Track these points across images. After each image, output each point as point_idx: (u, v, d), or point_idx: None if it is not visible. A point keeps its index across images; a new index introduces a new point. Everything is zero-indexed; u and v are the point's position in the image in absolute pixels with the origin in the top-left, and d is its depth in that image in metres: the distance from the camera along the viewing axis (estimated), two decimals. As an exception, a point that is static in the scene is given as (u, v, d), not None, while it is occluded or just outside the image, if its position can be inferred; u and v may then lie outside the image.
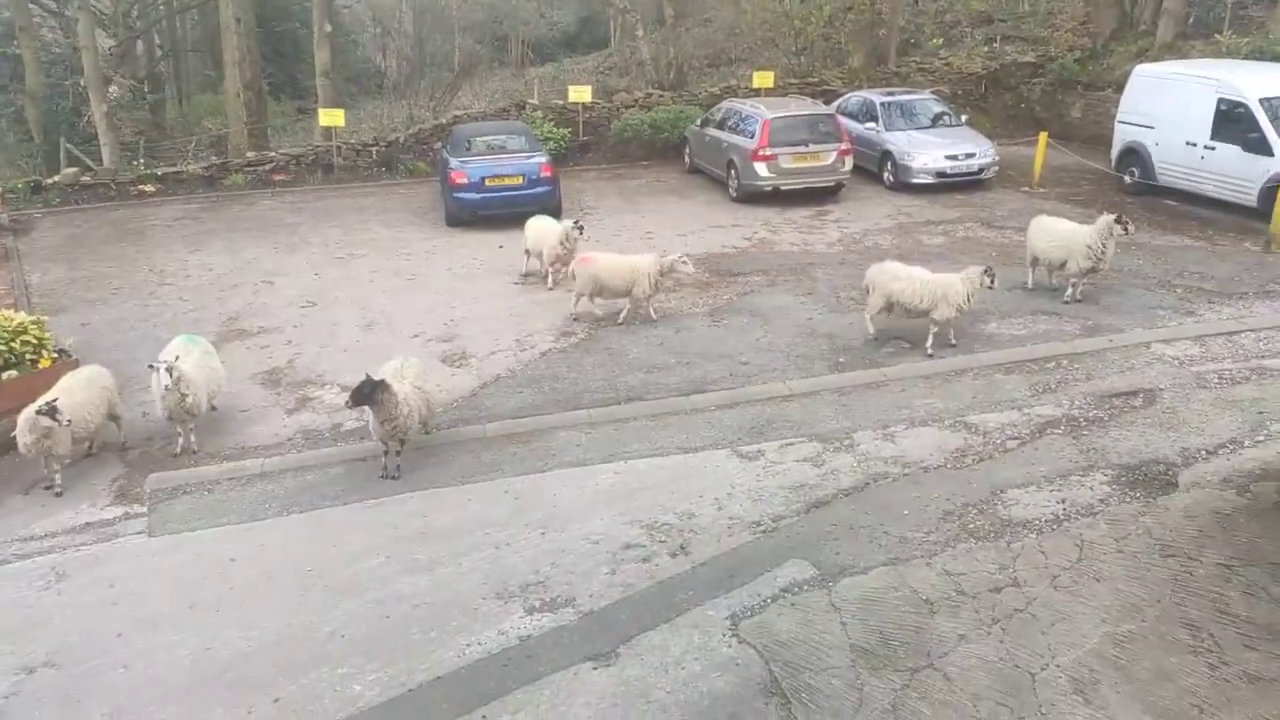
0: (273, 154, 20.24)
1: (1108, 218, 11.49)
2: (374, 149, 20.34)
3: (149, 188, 18.63)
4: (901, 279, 10.36)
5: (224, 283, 13.68)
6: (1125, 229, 11.42)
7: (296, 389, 10.26)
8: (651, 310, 11.72)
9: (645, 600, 6.60)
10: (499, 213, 15.90)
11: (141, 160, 20.20)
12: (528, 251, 13.37)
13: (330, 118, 19.85)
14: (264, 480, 8.49)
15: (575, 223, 12.70)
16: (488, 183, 15.75)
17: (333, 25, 23.00)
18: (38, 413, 7.95)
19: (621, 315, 11.71)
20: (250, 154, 20.18)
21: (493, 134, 17.20)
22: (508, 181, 15.83)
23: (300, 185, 19.40)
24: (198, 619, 6.63)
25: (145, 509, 8.02)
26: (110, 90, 22.60)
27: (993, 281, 10.25)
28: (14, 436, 8.14)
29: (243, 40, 21.70)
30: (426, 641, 6.30)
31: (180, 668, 6.17)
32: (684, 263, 11.36)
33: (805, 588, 6.65)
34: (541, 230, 13.05)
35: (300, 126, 29.13)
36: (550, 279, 12.97)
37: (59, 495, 8.27)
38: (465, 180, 15.75)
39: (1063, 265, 11.59)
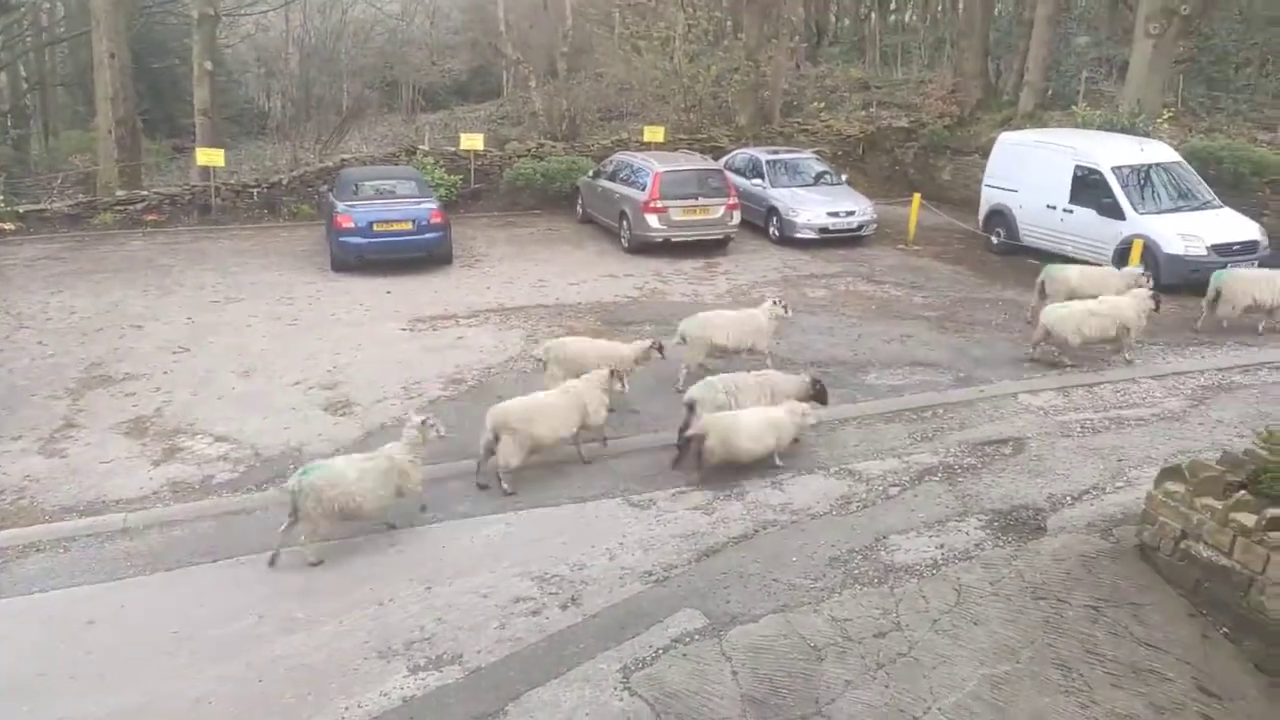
0: (145, 193, 19.39)
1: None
2: (255, 190, 19.75)
3: (9, 226, 17.58)
4: None
5: (87, 326, 12.93)
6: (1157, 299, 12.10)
7: (165, 438, 9.73)
8: None
9: (535, 655, 6.46)
10: (387, 258, 15.65)
11: (1, 196, 19.03)
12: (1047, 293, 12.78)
13: (209, 157, 19.23)
14: (126, 537, 7.97)
15: (1143, 270, 13.12)
16: (376, 228, 15.47)
17: (214, 63, 22.35)
18: None
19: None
20: (121, 192, 19.30)
21: (382, 178, 16.94)
22: (396, 227, 15.59)
23: (174, 226, 18.65)
24: (50, 687, 6.12)
25: (-9, 569, 7.42)
26: (-32, 122, 21.33)
27: None
28: None
29: (116, 76, 20.87)
30: (303, 705, 5.99)
31: (26, 743, 5.68)
32: None
33: (696, 637, 6.64)
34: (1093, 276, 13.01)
35: (176, 165, 28.15)
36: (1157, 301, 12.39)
37: (-109, 556, 7.56)
38: (352, 224, 15.43)
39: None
